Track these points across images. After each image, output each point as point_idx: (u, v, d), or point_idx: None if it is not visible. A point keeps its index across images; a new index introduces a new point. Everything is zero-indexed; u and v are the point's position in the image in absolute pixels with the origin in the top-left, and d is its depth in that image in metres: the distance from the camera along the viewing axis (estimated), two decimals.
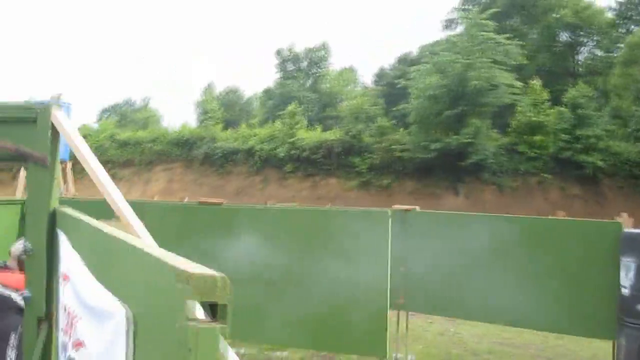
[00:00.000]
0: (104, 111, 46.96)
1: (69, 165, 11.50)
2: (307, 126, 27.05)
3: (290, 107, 27.01)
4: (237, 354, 7.19)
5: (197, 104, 34.38)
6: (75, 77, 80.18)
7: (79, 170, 25.22)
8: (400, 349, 8.54)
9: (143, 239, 3.44)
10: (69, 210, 3.24)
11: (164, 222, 7.14)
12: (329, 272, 6.27)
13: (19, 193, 11.25)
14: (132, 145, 26.94)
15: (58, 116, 3.63)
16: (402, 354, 8.46)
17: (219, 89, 41.33)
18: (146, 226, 6.64)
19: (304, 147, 25.35)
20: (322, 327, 6.36)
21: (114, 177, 26.61)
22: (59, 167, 3.73)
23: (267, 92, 36.28)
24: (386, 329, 5.85)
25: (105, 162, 26.58)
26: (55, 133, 3.64)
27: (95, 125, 29.69)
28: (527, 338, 9.86)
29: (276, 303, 6.49)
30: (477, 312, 7.40)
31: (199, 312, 1.10)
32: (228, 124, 30.65)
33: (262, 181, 26.01)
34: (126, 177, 26.58)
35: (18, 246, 4.98)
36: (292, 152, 25.46)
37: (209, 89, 41.42)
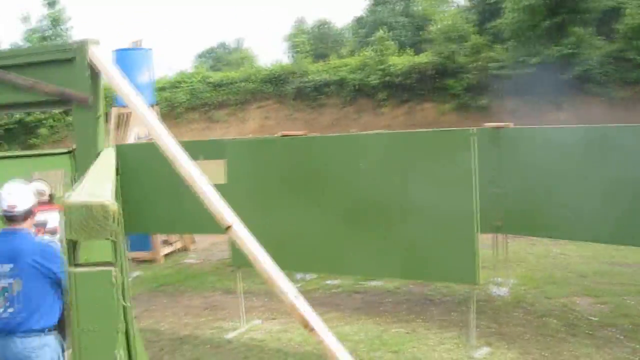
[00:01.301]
0: (200, 56, 47.68)
1: (157, 109, 11.58)
2: (399, 51, 26.19)
3: (379, 33, 26.21)
4: (333, 285, 7.08)
5: (287, 39, 34.03)
6: (171, 24, 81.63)
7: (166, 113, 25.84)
8: (499, 273, 8.17)
9: (196, 179, 3.24)
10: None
11: (244, 158, 7.02)
12: (413, 198, 5.95)
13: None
14: (226, 86, 27.13)
15: (96, 53, 3.45)
16: (502, 277, 8.09)
17: (310, 22, 40.73)
18: (228, 164, 6.52)
19: (396, 73, 24.64)
20: (410, 256, 6.11)
21: (210, 119, 27.16)
22: (102, 106, 3.57)
23: (359, 21, 35.42)
24: (474, 254, 5.51)
25: (201, 105, 27.14)
26: (94, 72, 3.47)
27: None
28: None
29: (364, 233, 6.27)
30: (582, 232, 6.91)
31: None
32: (320, 58, 30.26)
33: (356, 111, 25.66)
34: (222, 119, 26.93)
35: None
36: (385, 79, 24.83)
37: (299, 23, 41.00)
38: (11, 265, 3.91)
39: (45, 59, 3.50)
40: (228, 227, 3.00)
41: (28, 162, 8.44)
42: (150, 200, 9.25)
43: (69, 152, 8.58)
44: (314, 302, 7.91)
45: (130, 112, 11.21)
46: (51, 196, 6.16)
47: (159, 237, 10.99)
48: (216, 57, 45.29)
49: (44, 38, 27.62)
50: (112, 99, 10.62)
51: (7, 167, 7.66)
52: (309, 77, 26.06)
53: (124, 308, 2.65)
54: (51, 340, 4.01)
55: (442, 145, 5.90)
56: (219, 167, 7.63)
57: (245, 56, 41.47)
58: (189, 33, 79.61)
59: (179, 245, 11.76)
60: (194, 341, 6.84)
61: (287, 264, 7.09)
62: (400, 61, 25.04)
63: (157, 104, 11.90)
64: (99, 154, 3.31)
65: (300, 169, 6.62)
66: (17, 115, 25.89)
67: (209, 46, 48.84)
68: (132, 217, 9.57)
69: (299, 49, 29.51)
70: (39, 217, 4.90)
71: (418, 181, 5.91)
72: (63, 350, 4.12)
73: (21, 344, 3.88)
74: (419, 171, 5.93)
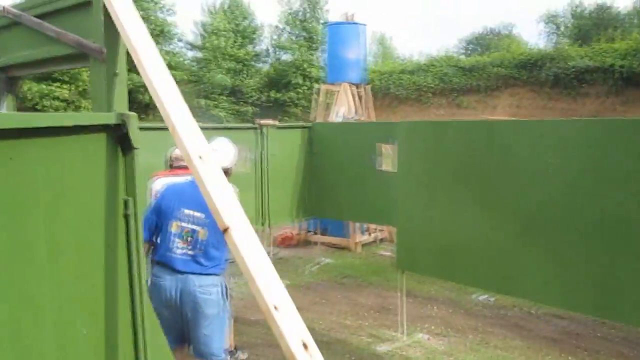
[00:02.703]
0: (462, 41, 46.40)
1: (369, 88, 10.90)
2: None
3: None
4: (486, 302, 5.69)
5: (546, 19, 31.10)
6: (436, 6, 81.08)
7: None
8: None
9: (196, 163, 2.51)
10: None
11: (415, 144, 5.97)
12: (624, 212, 4.42)
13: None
14: (477, 70, 25.60)
15: None
16: None
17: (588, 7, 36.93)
18: (398, 150, 5.49)
19: None
20: (609, 288, 4.59)
21: (457, 105, 25.99)
22: (122, 62, 2.91)
23: None
24: None
25: (449, 90, 26.09)
26: (110, 19, 2.80)
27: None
28: None
29: (547, 250, 4.90)
30: None
31: None
32: (586, 41, 27.22)
33: (622, 103, 22.47)
34: (470, 105, 25.56)
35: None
36: None
37: (574, 7, 37.40)
38: (203, 215, 4.31)
39: (62, 5, 2.92)
40: (225, 230, 2.18)
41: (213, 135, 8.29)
42: (339, 184, 8.66)
43: (254, 128, 8.31)
44: (496, 322, 6.80)
45: (338, 91, 10.69)
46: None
47: (357, 224, 10.33)
48: (479, 42, 43.54)
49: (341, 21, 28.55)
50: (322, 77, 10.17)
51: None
52: (569, 62, 23.41)
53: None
54: (220, 280, 4.45)
55: None
56: (393, 153, 6.71)
57: (512, 42, 39.03)
58: (453, 17, 78.14)
59: (380, 234, 10.99)
60: (340, 348, 6.06)
61: (450, 273, 5.99)
62: None
63: (367, 84, 11.17)
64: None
65: (476, 160, 5.40)
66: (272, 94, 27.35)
67: (474, 31, 47.19)
68: (322, 200, 9.11)
69: (561, 31, 26.76)
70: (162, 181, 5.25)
71: (635, 190, 4.36)
72: (227, 288, 4.55)
73: (198, 281, 4.30)
74: (617, 167, 4.39)
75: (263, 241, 8.63)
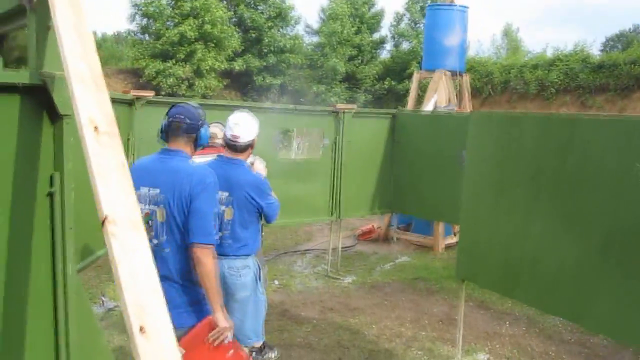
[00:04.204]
0: (609, 39, 43.59)
1: (467, 77, 10.07)
2: None
3: None
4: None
5: None
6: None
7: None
8: None
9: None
10: None
11: (486, 138, 5.23)
12: None
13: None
14: (607, 68, 23.65)
15: None
16: None
17: None
18: (468, 143, 4.81)
19: None
20: None
21: (583, 104, 24.29)
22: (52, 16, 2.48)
23: None
24: None
25: (575, 88, 24.40)
26: None
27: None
28: None
29: (612, 270, 4.08)
30: None
31: None
32: None
33: None
34: (597, 105, 23.69)
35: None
36: None
37: None
38: (227, 194, 4.22)
39: None
40: (102, 221, 1.72)
41: (287, 118, 7.89)
42: (422, 178, 8.04)
43: (331, 112, 7.82)
44: (575, 350, 5.88)
45: (431, 79, 9.95)
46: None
47: (442, 224, 9.58)
48: (620, 40, 40.63)
49: (442, 3, 27.65)
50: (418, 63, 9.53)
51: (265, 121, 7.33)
52: None
53: None
54: (251, 261, 4.37)
55: None
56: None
57: None
58: (601, 13, 73.40)
59: None
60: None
61: (512, 290, 5.20)
62: None
63: (466, 73, 10.31)
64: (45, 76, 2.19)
65: (553, 162, 4.60)
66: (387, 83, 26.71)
67: (621, 28, 44.31)
68: (402, 194, 8.49)
69: None
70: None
71: None
72: (260, 269, 4.51)
73: (227, 264, 4.22)
74: None
75: (333, 233, 8.21)
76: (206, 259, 3.25)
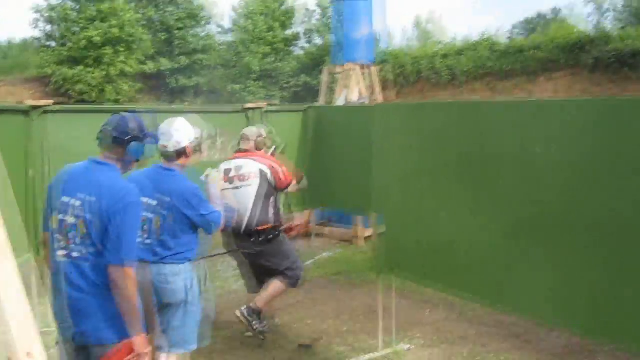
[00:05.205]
0: (515, 27, 45.03)
1: (376, 69, 10.14)
2: None
3: None
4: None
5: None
6: None
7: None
8: None
9: None
10: None
11: (393, 129, 5.24)
12: (621, 210, 3.64)
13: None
14: (513, 54, 24.39)
15: None
16: None
17: None
18: (373, 135, 4.69)
19: None
20: (604, 302, 3.83)
21: (492, 90, 24.94)
22: None
23: None
24: None
25: (484, 75, 25.03)
26: None
27: None
28: None
29: (524, 253, 4.15)
30: None
31: None
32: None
33: None
34: (507, 91, 24.45)
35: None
36: None
37: None
38: (155, 202, 4.24)
39: None
40: None
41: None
42: (336, 171, 7.98)
43: (240, 112, 7.69)
44: (494, 332, 5.96)
45: (342, 73, 9.95)
46: (258, 142, 5.95)
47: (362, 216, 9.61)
48: (531, 28, 41.92)
49: None
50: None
51: None
52: (612, 45, 22.07)
53: None
54: (183, 269, 4.31)
55: None
56: None
57: (561, 25, 37.36)
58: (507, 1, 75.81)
59: None
60: (307, 358, 5.39)
61: (433, 279, 5.25)
62: None
63: (375, 64, 10.39)
64: None
65: (458, 149, 4.64)
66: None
67: (526, 16, 45.75)
68: (318, 189, 8.42)
69: (601, 13, 25.36)
70: (230, 164, 5.71)
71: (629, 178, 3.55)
72: (206, 278, 4.64)
73: (156, 270, 4.21)
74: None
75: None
76: (122, 282, 3.12)
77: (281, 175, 5.74)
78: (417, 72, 25.97)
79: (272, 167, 5.71)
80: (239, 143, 5.98)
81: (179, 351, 4.35)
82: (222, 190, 5.20)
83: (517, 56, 24.37)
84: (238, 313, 5.67)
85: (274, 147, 6.27)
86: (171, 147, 4.26)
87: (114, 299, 3.18)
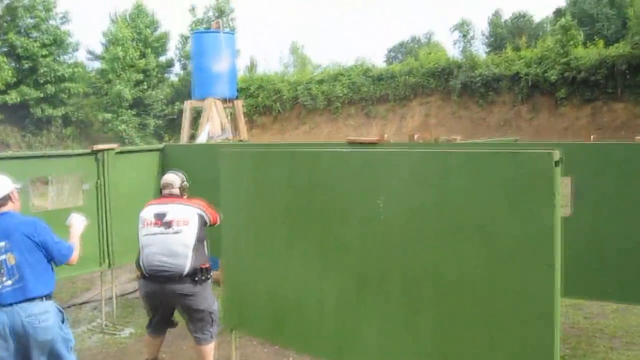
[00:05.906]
0: (391, 50, 46.41)
1: (239, 103, 9.88)
2: (586, 43, 22.25)
3: (562, 20, 22.52)
4: None
5: (455, 28, 30.82)
6: (367, 15, 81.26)
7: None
8: None
9: None
10: None
11: (241, 176, 4.96)
12: (460, 262, 3.51)
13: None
14: (386, 79, 25.05)
15: None
16: None
17: (507, 15, 37.06)
18: (221, 180, 4.13)
19: (580, 67, 20.90)
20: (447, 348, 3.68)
21: (367, 115, 25.35)
22: None
23: (558, 13, 31.38)
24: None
25: (359, 100, 25.44)
26: None
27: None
28: None
29: (368, 311, 3.97)
30: None
31: None
32: (498, 50, 27.14)
33: (530, 111, 22.41)
34: (381, 114, 25.06)
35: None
36: (566, 74, 21.20)
37: (496, 15, 37.27)
38: (4, 242, 4.21)
39: None
40: None
41: (44, 164, 7.10)
42: None
43: (91, 154, 7.17)
44: None
45: (203, 108, 9.62)
46: (182, 188, 5.94)
47: None
48: (407, 51, 43.35)
49: (208, 29, 27.38)
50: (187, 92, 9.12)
51: (24, 168, 6.67)
52: (478, 70, 23.10)
53: None
54: (50, 306, 4.29)
55: (522, 175, 3.34)
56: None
57: (433, 50, 38.83)
58: (383, 26, 78.28)
59: None
60: None
61: (281, 337, 5.00)
62: (586, 54, 21.22)
63: (237, 98, 10.16)
64: None
65: (302, 199, 4.41)
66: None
67: (401, 40, 47.53)
68: None
69: (467, 40, 26.60)
70: (162, 208, 5.52)
71: (470, 235, 3.43)
72: (63, 320, 4.44)
73: (23, 311, 4.11)
74: (469, 217, 3.43)
75: (105, 284, 7.53)
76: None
77: (212, 214, 5.73)
78: (294, 98, 26.08)
79: (206, 208, 5.70)
80: (160, 190, 5.93)
81: None
82: (153, 234, 5.31)
83: (389, 82, 25.04)
84: None
85: None
86: None
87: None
